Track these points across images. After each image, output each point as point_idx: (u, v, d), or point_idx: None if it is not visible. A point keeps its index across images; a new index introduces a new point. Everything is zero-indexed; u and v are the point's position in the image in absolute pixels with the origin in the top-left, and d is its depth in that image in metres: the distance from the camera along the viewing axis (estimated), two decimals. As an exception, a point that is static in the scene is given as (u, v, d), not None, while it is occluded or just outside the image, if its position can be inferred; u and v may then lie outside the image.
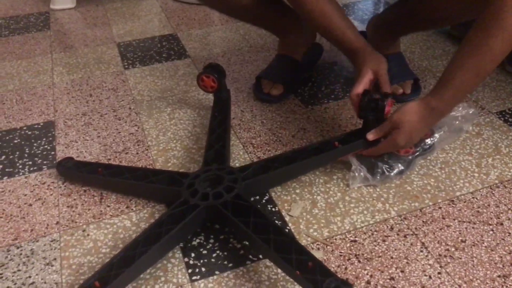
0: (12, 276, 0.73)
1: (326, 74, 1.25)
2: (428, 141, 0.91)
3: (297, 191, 0.87)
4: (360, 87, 0.87)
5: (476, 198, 0.84)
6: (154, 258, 0.72)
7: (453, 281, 0.70)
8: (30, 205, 0.86)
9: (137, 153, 0.98)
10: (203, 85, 1.03)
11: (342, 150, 0.86)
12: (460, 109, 0.96)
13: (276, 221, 0.81)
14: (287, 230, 0.79)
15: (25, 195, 0.89)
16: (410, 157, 0.89)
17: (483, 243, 0.76)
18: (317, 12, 0.92)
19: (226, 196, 0.76)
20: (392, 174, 0.87)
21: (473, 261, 0.73)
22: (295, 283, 0.70)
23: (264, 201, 0.85)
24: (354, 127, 1.03)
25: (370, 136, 0.84)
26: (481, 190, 0.86)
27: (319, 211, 0.83)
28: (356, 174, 0.86)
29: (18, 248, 0.78)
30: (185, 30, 1.54)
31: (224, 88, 1.04)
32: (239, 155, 0.97)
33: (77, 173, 0.90)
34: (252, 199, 0.85)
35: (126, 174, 0.85)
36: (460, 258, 0.73)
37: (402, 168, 0.88)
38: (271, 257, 0.70)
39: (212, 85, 1.02)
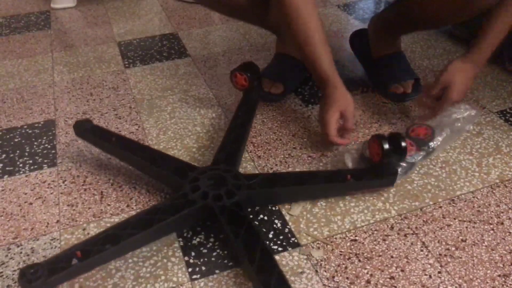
0: (13, 274, 0.73)
1: (327, 73, 1.25)
2: (432, 144, 0.91)
3: (298, 190, 0.87)
4: (331, 129, 0.90)
5: (477, 198, 0.84)
6: (140, 242, 0.73)
7: (453, 280, 0.70)
8: (31, 203, 0.86)
9: (138, 152, 0.98)
10: (235, 81, 1.03)
11: (354, 185, 0.83)
12: (462, 110, 0.96)
13: (276, 220, 0.81)
14: (285, 231, 0.79)
15: (26, 193, 0.89)
16: (414, 159, 0.89)
17: (484, 242, 0.75)
18: (298, 27, 0.91)
19: (225, 201, 0.76)
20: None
21: (473, 260, 0.73)
22: (294, 282, 0.70)
23: (264, 200, 0.85)
24: (354, 126, 1.03)
25: (428, 100, 0.94)
26: (481, 190, 0.86)
27: (319, 210, 0.83)
28: None
29: (18, 246, 0.78)
30: (186, 29, 1.54)
31: (254, 90, 1.03)
32: (240, 154, 0.97)
33: (92, 136, 0.92)
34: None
35: (137, 151, 0.87)
36: (461, 258, 0.73)
37: (405, 169, 0.88)
38: (250, 275, 0.69)
39: (243, 83, 1.02)
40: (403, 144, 0.82)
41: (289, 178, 0.84)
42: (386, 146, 0.82)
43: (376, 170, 0.85)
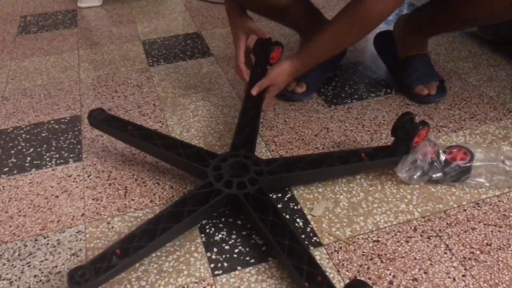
0: (40, 264, 0.75)
1: (350, 74, 1.25)
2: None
3: (320, 189, 0.87)
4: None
5: (503, 202, 0.83)
6: (173, 235, 0.75)
7: (478, 284, 0.69)
8: (57, 196, 0.88)
9: (161, 149, 0.99)
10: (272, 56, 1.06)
11: (369, 164, 0.86)
12: None
13: (298, 219, 0.81)
14: (307, 230, 0.79)
15: (52, 187, 0.91)
16: (467, 164, 0.85)
17: (510, 247, 0.74)
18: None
19: (249, 188, 0.78)
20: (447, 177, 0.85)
21: (498, 264, 0.71)
22: (317, 281, 0.70)
23: (286, 198, 0.85)
24: (377, 128, 1.02)
25: None
26: (507, 194, 0.84)
27: (342, 210, 0.82)
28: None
29: (45, 238, 0.79)
30: (209, 29, 1.55)
31: (262, 65, 1.07)
32: (262, 153, 0.97)
33: (107, 126, 0.92)
34: (274, 196, 0.86)
35: (157, 140, 0.87)
36: (485, 262, 0.72)
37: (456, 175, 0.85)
38: (282, 261, 0.70)
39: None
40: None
41: (307, 161, 0.85)
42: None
43: (390, 149, 0.87)
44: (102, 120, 0.92)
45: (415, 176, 0.85)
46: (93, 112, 0.93)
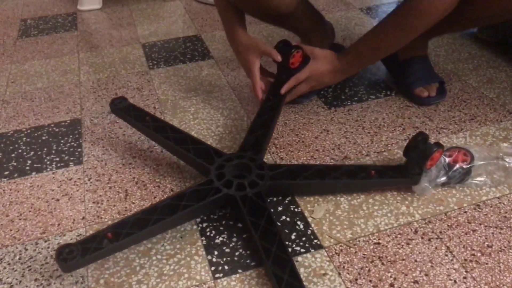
0: (40, 268, 0.75)
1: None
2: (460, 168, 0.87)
3: (320, 192, 0.87)
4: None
5: (503, 203, 0.83)
6: (165, 227, 0.77)
7: (479, 286, 0.69)
8: (57, 200, 0.88)
9: (162, 151, 0.99)
10: (292, 61, 1.05)
11: (377, 182, 0.84)
12: None
13: (299, 222, 0.81)
14: (308, 233, 0.79)
15: (53, 190, 0.91)
16: (469, 165, 0.85)
17: (511, 248, 0.74)
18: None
19: (248, 191, 0.79)
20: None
21: (499, 266, 0.71)
22: (317, 284, 0.70)
23: (287, 201, 0.85)
24: (377, 130, 1.02)
25: None
26: (508, 195, 0.84)
27: (342, 212, 0.82)
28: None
29: (46, 241, 0.79)
30: (209, 32, 1.55)
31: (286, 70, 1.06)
32: (262, 155, 0.97)
33: (126, 115, 0.96)
34: (275, 199, 0.86)
35: (169, 133, 0.90)
36: (487, 264, 0.72)
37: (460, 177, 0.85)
38: (266, 267, 0.71)
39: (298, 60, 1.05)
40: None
41: (312, 171, 0.84)
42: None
43: (402, 169, 0.84)
44: (122, 108, 0.97)
45: (428, 185, 0.84)
46: (115, 100, 0.98)
